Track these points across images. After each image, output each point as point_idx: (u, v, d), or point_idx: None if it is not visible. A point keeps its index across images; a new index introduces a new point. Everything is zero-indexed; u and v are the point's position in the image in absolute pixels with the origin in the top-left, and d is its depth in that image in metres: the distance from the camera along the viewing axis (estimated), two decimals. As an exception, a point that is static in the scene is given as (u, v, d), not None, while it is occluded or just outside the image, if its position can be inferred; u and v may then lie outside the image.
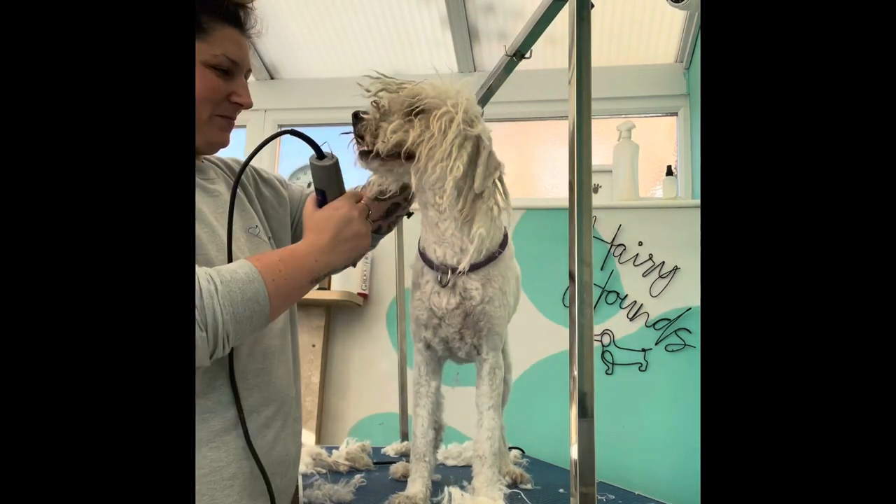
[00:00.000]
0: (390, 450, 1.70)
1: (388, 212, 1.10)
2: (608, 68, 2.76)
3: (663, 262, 2.38)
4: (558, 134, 2.91)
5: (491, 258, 1.01)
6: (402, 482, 1.21)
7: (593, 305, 1.79)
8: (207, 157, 1.09)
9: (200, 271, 0.81)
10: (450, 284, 0.99)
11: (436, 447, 1.15)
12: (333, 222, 0.95)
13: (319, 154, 0.98)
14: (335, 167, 0.98)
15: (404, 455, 1.61)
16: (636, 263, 2.40)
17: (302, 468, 1.32)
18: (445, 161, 0.91)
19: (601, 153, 2.67)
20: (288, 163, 3.00)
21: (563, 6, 1.01)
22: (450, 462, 1.52)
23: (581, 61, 0.81)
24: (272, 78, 3.06)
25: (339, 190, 1.00)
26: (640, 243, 2.41)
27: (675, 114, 2.78)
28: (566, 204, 0.80)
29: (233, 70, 0.97)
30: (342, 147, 0.99)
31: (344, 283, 2.40)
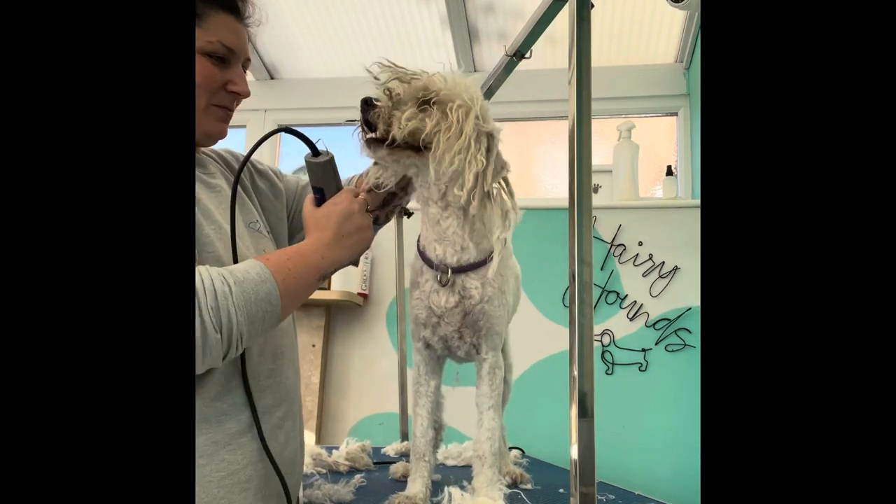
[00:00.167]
0: (390, 450, 1.70)
1: (384, 202, 1.09)
2: (608, 68, 2.76)
3: (663, 262, 2.38)
4: (558, 134, 2.92)
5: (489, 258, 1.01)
6: (402, 482, 1.21)
7: (593, 305, 1.79)
8: (206, 150, 1.07)
9: (213, 272, 0.80)
10: (449, 283, 0.99)
11: (436, 447, 1.15)
12: (335, 218, 0.95)
13: (314, 151, 0.98)
14: (331, 163, 0.99)
15: (404, 455, 1.61)
16: (636, 263, 2.40)
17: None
18: (464, 153, 0.90)
19: (601, 153, 2.67)
20: (288, 162, 3.01)
21: (563, 6, 1.01)
22: (450, 462, 1.52)
23: (581, 61, 0.82)
24: (272, 78, 3.06)
25: (337, 186, 1.00)
26: (640, 243, 2.41)
27: (675, 114, 2.78)
28: (566, 204, 0.80)
29: (229, 58, 0.95)
30: (336, 144, 0.99)
31: (344, 283, 2.39)
